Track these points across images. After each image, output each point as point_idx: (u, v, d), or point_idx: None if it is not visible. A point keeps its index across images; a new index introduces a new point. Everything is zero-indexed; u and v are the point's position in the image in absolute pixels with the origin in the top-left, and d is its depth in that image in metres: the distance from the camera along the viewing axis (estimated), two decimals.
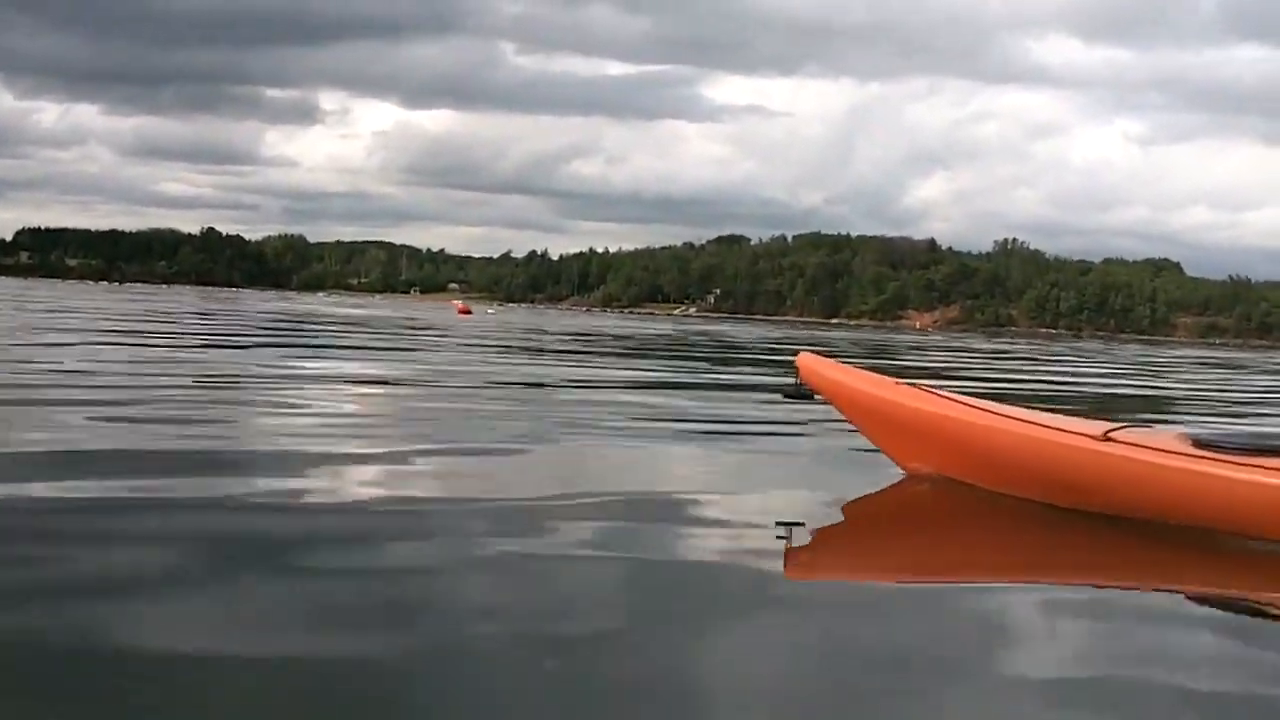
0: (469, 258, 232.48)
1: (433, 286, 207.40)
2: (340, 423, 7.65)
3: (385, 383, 11.42)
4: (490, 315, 59.78)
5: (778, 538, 4.60)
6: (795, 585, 4.03)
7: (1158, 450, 4.96)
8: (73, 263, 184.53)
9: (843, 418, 6.13)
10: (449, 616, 3.33)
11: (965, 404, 5.72)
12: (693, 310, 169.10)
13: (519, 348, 21.65)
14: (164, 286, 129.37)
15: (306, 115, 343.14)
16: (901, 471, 5.87)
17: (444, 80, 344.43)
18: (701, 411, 9.63)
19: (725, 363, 20.03)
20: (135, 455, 5.73)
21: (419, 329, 30.53)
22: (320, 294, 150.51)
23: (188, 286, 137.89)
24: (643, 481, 5.91)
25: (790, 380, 6.01)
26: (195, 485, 5.04)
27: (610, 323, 55.63)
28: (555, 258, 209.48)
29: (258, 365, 12.42)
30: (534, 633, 3.17)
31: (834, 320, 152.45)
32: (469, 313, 58.74)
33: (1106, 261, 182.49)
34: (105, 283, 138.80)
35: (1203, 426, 7.64)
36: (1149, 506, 4.94)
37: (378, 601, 3.41)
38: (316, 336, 22.36)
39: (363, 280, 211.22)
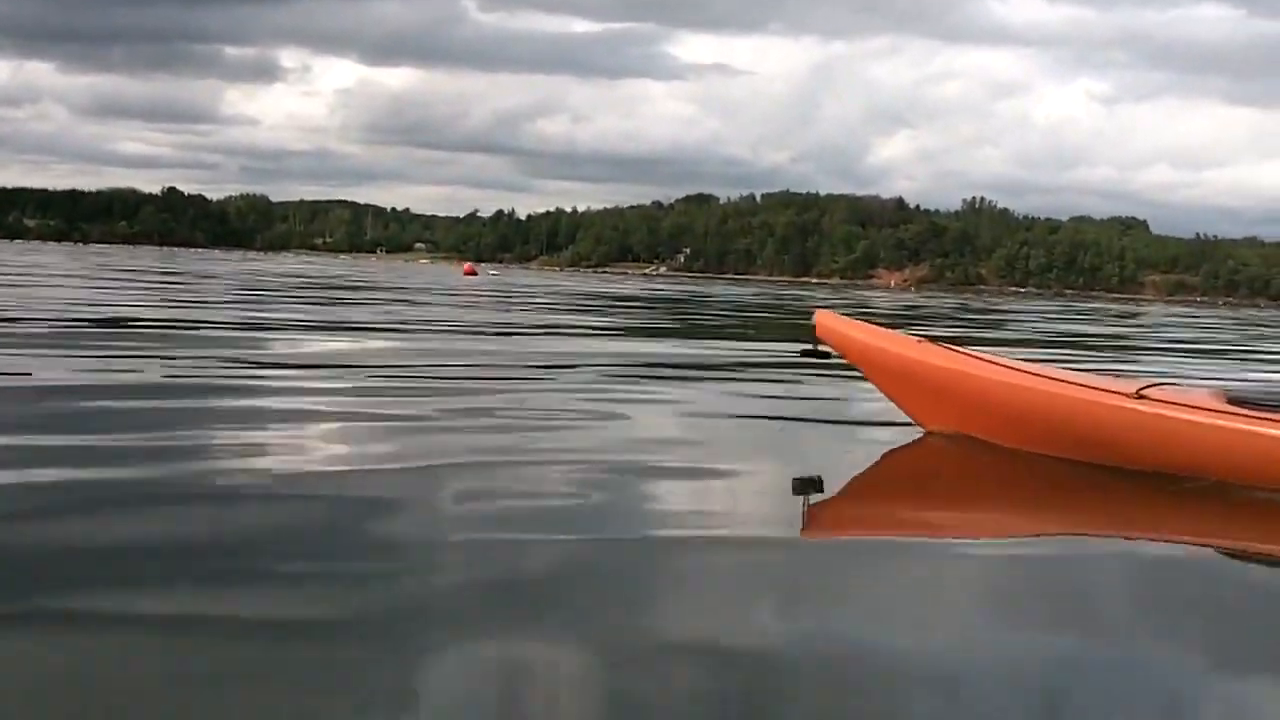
0: (434, 217, 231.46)
1: (398, 246, 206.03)
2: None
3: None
4: (494, 276, 59.13)
5: (795, 494, 4.55)
6: (812, 544, 3.90)
7: (1193, 408, 4.90)
8: (31, 223, 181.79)
9: (862, 376, 6.03)
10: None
11: (990, 361, 5.59)
12: (663, 269, 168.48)
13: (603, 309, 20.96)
14: (127, 247, 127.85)
15: (266, 73, 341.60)
16: (920, 430, 5.74)
17: (406, 37, 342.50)
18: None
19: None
20: None
21: (461, 290, 29.74)
22: (286, 254, 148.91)
23: (150, 247, 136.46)
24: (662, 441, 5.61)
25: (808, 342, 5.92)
26: None
27: (630, 286, 53.41)
28: (522, 217, 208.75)
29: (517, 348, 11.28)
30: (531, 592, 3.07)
31: (804, 279, 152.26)
32: (474, 273, 57.96)
33: (1074, 220, 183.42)
34: (67, 244, 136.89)
35: (1237, 383, 7.36)
36: (1184, 463, 4.88)
37: None
38: (419, 307, 20.09)
39: (327, 240, 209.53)
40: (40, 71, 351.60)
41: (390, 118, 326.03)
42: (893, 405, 5.89)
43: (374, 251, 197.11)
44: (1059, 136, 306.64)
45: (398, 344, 10.99)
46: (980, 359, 5.62)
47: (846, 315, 6.19)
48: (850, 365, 6.08)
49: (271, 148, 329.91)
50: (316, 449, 4.96)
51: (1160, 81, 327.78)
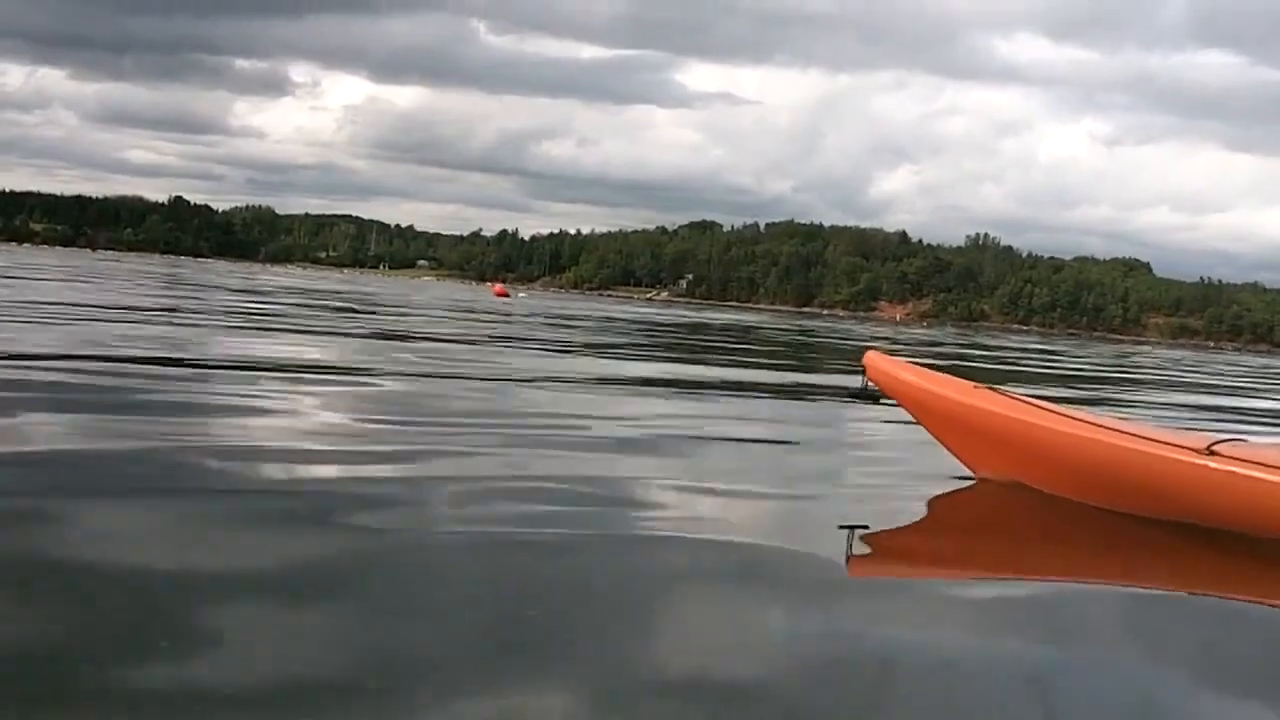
0: (437, 234, 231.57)
1: (402, 262, 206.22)
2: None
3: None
4: (523, 298, 57.50)
5: (841, 528, 4.41)
6: (858, 584, 3.81)
7: (1268, 466, 4.68)
8: (38, 227, 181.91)
9: (914, 420, 5.82)
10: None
11: (1049, 410, 5.39)
12: (664, 295, 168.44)
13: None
14: (132, 255, 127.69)
15: (276, 87, 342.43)
16: (972, 476, 5.56)
17: (415, 56, 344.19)
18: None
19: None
20: None
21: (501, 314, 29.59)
22: (290, 266, 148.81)
23: (156, 255, 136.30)
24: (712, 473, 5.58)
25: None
26: None
27: (672, 313, 52.86)
28: (525, 238, 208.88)
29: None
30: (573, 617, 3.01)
31: (807, 309, 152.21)
32: (506, 295, 57.00)
33: (1078, 259, 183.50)
34: (73, 249, 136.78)
35: None
36: (1259, 523, 4.67)
37: None
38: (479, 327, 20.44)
39: (331, 254, 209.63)
40: (52, 78, 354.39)
41: (397, 135, 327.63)
42: (945, 450, 5.70)
43: (377, 267, 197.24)
44: (1060, 176, 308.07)
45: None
46: (1039, 406, 5.43)
47: (895, 355, 6.05)
48: (902, 407, 5.87)
49: (278, 161, 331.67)
50: None
51: (1162, 125, 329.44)
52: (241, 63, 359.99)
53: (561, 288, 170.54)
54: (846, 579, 3.79)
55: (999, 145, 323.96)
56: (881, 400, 5.80)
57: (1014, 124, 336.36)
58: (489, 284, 71.93)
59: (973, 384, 5.69)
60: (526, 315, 28.70)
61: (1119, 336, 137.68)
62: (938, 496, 5.34)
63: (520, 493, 4.46)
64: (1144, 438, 5.06)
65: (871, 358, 5.77)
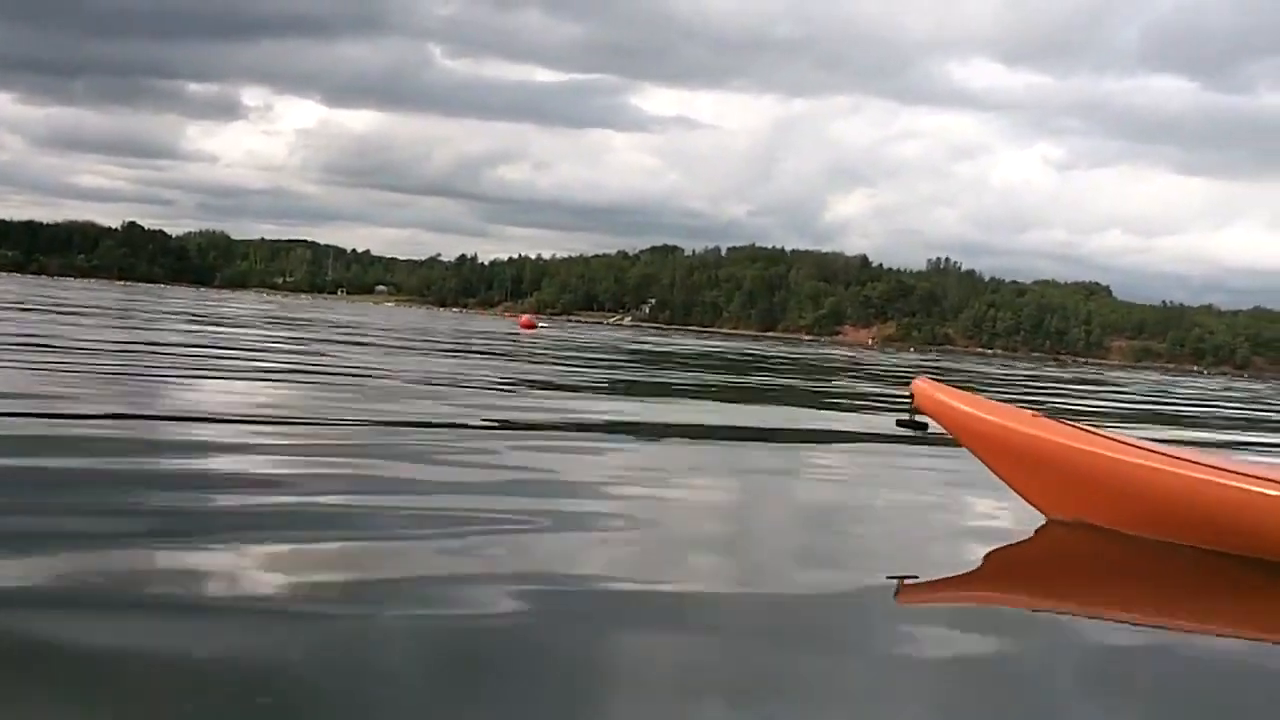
0: (393, 259, 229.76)
1: (359, 287, 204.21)
2: None
3: None
4: (544, 328, 54.35)
5: (889, 578, 4.09)
6: (905, 621, 3.56)
7: None
8: None
9: (966, 450, 5.42)
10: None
11: (1122, 442, 5.08)
12: (628, 320, 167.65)
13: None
14: (90, 281, 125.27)
15: (228, 110, 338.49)
16: (1036, 514, 5.20)
17: (370, 80, 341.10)
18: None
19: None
20: None
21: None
22: (248, 292, 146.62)
23: (110, 282, 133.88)
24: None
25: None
26: None
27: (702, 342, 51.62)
28: (483, 262, 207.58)
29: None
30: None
31: (771, 334, 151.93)
32: (533, 326, 53.86)
33: (1039, 283, 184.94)
34: (25, 275, 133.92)
35: None
36: None
37: None
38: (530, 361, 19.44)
39: (288, 279, 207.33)
40: None
41: (350, 159, 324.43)
42: (1003, 484, 5.32)
43: (335, 292, 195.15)
44: (1014, 200, 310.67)
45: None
46: (1109, 438, 5.11)
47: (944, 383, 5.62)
48: (955, 438, 5.46)
49: (229, 185, 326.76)
50: None
51: (1115, 149, 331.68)
52: (194, 86, 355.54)
53: (523, 313, 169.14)
54: (895, 629, 3.50)
55: (954, 169, 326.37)
56: (929, 430, 5.42)
57: (968, 148, 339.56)
58: (514, 315, 69.34)
59: (1031, 412, 5.42)
60: (565, 350, 27.55)
61: (1083, 359, 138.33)
62: (997, 546, 4.91)
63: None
64: (1232, 471, 4.74)
65: (920, 385, 5.41)
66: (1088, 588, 4.43)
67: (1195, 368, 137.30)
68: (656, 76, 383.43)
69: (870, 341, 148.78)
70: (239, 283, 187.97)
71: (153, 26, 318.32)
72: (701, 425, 9.70)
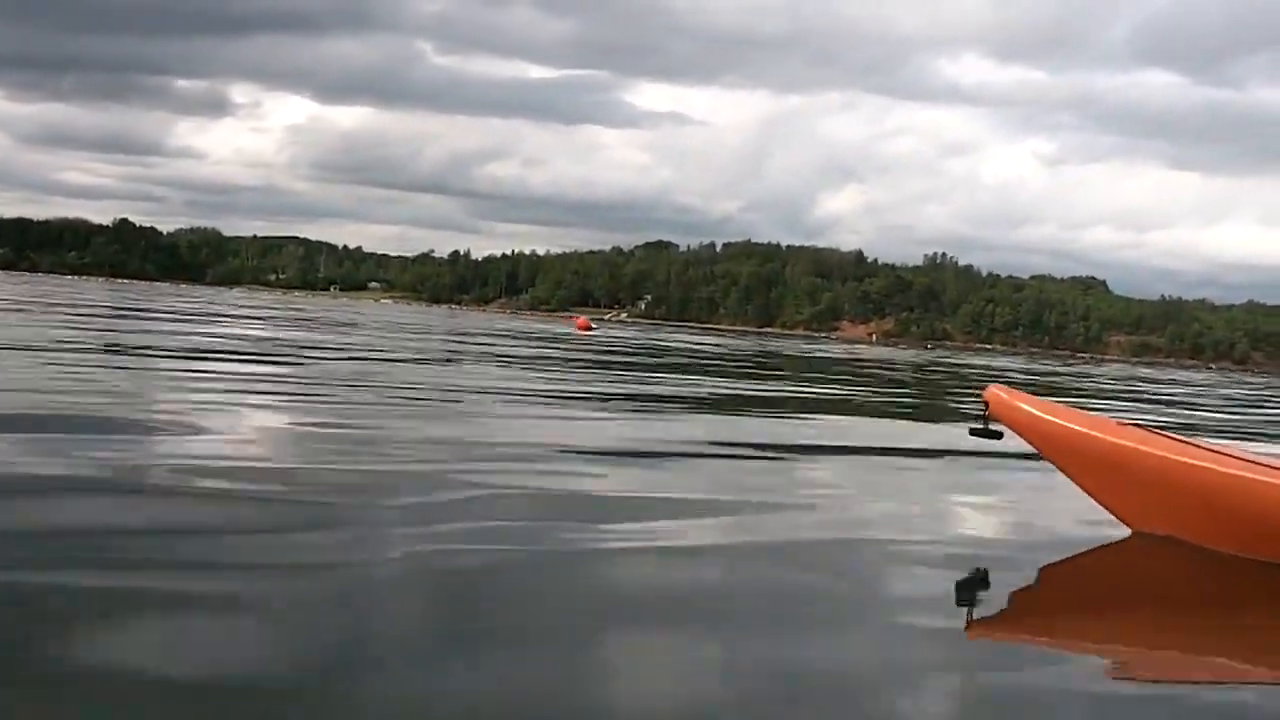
0: (385, 256, 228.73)
1: (352, 284, 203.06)
2: None
3: None
4: (594, 331, 51.97)
5: (958, 603, 3.92)
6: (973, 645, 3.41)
7: None
8: None
9: (1047, 461, 5.24)
10: None
11: (1220, 453, 4.91)
12: (624, 316, 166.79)
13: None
14: (79, 278, 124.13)
15: (217, 107, 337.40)
16: (1125, 529, 5.03)
17: (360, 76, 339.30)
18: None
19: None
20: None
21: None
22: (237, 290, 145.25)
23: (101, 279, 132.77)
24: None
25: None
26: None
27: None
28: (476, 259, 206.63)
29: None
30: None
31: (769, 329, 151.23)
32: (590, 327, 51.78)
33: (1036, 279, 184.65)
34: (16, 272, 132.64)
35: None
36: None
37: None
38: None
39: (280, 276, 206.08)
40: None
41: (340, 155, 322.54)
42: (1088, 497, 5.12)
43: (328, 289, 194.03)
44: (1006, 195, 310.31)
45: None
46: (1205, 448, 4.92)
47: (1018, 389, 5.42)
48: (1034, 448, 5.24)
49: (218, 182, 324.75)
50: None
51: (1106, 144, 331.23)
52: (183, 83, 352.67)
53: (519, 309, 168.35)
54: (962, 640, 3.46)
55: (945, 165, 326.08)
56: (1003, 438, 5.26)
57: (960, 144, 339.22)
58: (571, 317, 66.40)
59: (1117, 421, 5.31)
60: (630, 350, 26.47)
61: (1082, 354, 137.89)
62: (1081, 554, 4.86)
63: None
64: None
65: (995, 393, 5.24)
66: (1177, 614, 4.22)
67: (1205, 365, 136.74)
68: (648, 73, 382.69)
69: (870, 337, 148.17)
70: (231, 280, 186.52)
71: (142, 23, 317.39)
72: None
